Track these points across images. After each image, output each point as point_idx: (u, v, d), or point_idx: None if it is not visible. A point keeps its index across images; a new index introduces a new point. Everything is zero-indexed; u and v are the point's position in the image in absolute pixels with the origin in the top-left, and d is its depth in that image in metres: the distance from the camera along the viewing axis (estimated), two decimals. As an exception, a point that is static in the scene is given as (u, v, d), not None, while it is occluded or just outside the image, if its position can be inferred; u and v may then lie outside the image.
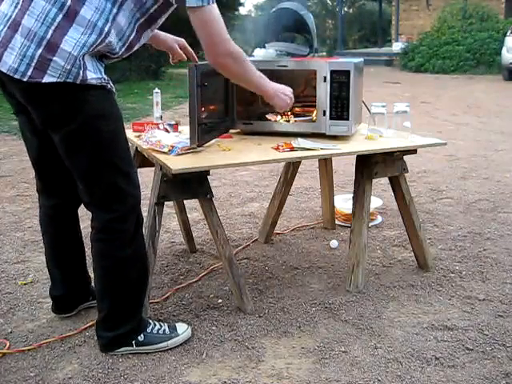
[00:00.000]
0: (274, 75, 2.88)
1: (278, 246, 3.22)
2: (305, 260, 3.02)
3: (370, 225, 3.29)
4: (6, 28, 1.84)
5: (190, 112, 2.27)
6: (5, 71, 1.83)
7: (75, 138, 1.92)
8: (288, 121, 2.71)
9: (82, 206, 2.19)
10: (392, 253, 3.11)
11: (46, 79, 1.81)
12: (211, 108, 2.47)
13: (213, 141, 2.52)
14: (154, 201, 2.30)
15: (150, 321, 2.23)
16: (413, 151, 2.63)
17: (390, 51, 18.33)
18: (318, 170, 3.40)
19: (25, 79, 1.82)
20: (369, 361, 2.09)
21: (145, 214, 2.21)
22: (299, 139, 2.50)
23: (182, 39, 2.49)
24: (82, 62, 1.84)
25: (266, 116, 2.75)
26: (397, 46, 17.63)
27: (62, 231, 2.31)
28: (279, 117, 2.73)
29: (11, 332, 2.31)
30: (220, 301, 2.56)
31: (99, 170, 1.97)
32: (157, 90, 2.91)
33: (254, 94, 2.89)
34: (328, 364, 2.08)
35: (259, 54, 2.81)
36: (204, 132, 2.36)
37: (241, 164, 2.32)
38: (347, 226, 3.26)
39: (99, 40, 1.86)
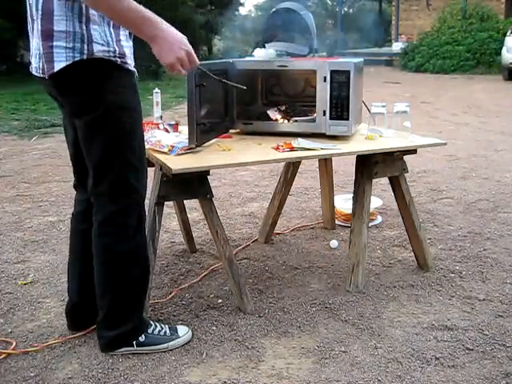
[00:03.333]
0: (274, 75, 2.90)
1: (278, 246, 3.22)
2: (305, 260, 3.02)
3: (370, 225, 3.29)
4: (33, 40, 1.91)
5: (188, 112, 2.27)
6: (35, 73, 1.93)
7: (94, 126, 1.92)
8: (289, 120, 2.71)
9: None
10: (392, 253, 3.11)
11: (57, 67, 1.82)
12: (210, 108, 2.47)
13: (212, 141, 2.52)
14: (154, 201, 2.30)
15: (151, 322, 2.23)
16: (413, 151, 2.63)
17: (390, 51, 18.32)
18: (318, 169, 3.40)
19: (45, 76, 1.86)
20: (369, 361, 2.09)
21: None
22: (299, 139, 2.50)
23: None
24: (85, 35, 1.82)
25: (267, 112, 2.75)
26: (397, 46, 17.63)
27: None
28: (279, 114, 2.72)
29: (11, 332, 2.31)
30: (220, 301, 2.56)
31: (111, 161, 1.96)
32: (157, 90, 2.91)
33: (253, 94, 2.91)
34: (328, 364, 2.08)
35: (259, 54, 2.81)
36: (203, 132, 2.36)
37: (241, 164, 2.32)
38: (347, 226, 3.26)
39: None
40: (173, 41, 1.79)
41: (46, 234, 3.44)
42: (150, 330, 2.18)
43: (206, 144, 2.46)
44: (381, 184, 4.11)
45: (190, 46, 1.86)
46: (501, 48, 13.41)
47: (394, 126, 2.69)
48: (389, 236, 3.35)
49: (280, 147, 2.42)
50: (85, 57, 1.83)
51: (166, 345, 2.17)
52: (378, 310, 2.46)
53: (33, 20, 1.88)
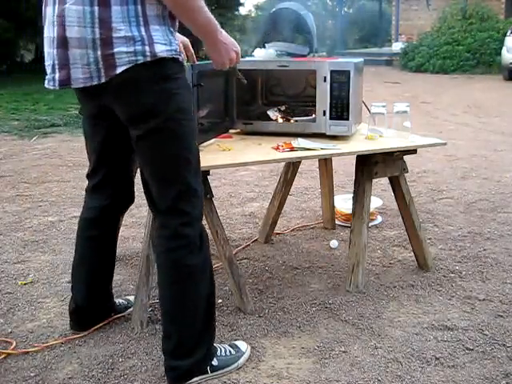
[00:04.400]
0: (274, 75, 2.90)
1: (278, 246, 3.22)
2: (305, 260, 3.02)
3: (370, 225, 3.29)
4: (55, 50, 1.81)
5: None
6: (82, 86, 1.80)
7: (157, 132, 1.83)
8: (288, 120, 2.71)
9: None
10: (392, 253, 3.11)
11: (119, 70, 1.74)
12: (209, 108, 2.47)
13: (212, 140, 2.52)
14: (154, 201, 2.29)
15: (215, 345, 2.09)
16: (413, 151, 2.63)
17: (389, 51, 18.33)
18: (318, 169, 3.40)
19: (103, 80, 1.76)
20: (369, 361, 2.09)
21: (144, 214, 2.21)
22: (299, 139, 2.50)
23: (187, 39, 2.46)
24: (145, 37, 1.75)
25: (267, 112, 2.75)
26: (397, 46, 17.63)
27: (104, 236, 2.21)
28: (279, 114, 2.73)
29: (11, 332, 2.31)
30: (220, 301, 2.55)
31: (177, 170, 1.87)
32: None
33: (253, 94, 2.91)
34: (328, 364, 2.08)
35: (259, 54, 2.81)
36: (201, 132, 2.36)
37: (241, 164, 2.32)
38: (347, 226, 3.26)
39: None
40: (229, 44, 1.94)
41: (46, 234, 3.44)
42: (218, 353, 2.05)
43: (206, 144, 2.46)
44: (381, 184, 4.11)
45: (239, 48, 2.00)
46: (501, 48, 13.41)
47: (394, 126, 2.69)
48: (389, 236, 3.35)
49: (280, 147, 2.42)
50: (148, 59, 1.76)
51: (236, 364, 2.05)
52: (378, 310, 2.46)
53: (56, 27, 1.78)
